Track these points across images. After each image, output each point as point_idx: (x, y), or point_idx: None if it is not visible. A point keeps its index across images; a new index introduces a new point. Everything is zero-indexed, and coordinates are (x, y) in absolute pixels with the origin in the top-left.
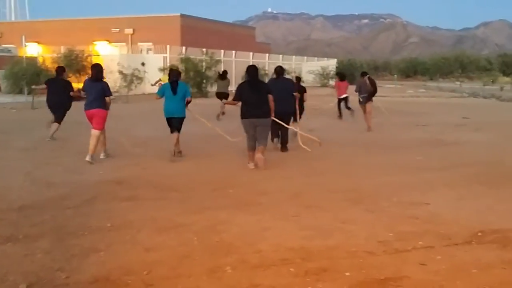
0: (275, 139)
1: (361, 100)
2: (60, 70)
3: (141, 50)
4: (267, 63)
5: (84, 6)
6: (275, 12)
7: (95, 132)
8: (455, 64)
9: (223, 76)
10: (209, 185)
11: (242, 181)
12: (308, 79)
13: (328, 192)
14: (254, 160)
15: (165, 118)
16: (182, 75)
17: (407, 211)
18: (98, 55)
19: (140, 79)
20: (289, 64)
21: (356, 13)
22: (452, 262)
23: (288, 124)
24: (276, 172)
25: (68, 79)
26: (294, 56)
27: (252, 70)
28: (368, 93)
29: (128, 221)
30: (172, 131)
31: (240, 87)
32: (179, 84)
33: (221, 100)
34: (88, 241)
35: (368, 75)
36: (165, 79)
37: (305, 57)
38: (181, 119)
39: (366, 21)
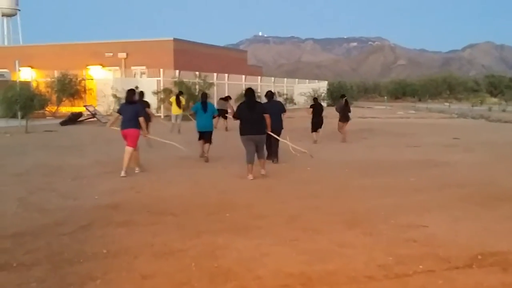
0: (275, 159)
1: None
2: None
3: (135, 73)
4: (259, 86)
5: (77, 31)
6: (266, 35)
7: (128, 149)
8: (443, 85)
9: (225, 99)
10: (205, 208)
11: (238, 204)
12: (299, 101)
13: (324, 215)
14: (254, 172)
15: (197, 132)
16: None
17: (404, 233)
18: (92, 79)
19: None
20: (280, 87)
21: (345, 36)
22: (454, 287)
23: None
24: (272, 195)
25: (62, 103)
26: (285, 79)
27: (249, 92)
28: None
29: (124, 247)
30: (204, 142)
31: (238, 108)
32: (208, 104)
33: (223, 115)
34: (85, 269)
35: (345, 98)
36: (173, 100)
37: (296, 80)
38: (211, 132)
39: (355, 44)
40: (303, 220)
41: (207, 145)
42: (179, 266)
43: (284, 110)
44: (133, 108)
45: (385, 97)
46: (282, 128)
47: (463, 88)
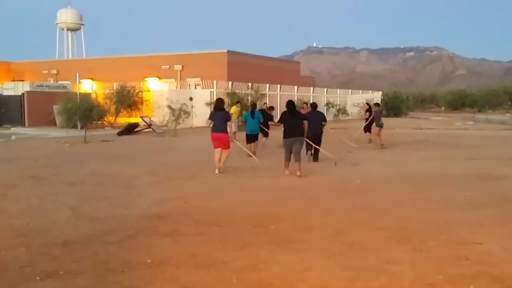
0: (309, 152)
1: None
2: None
3: (189, 85)
4: (312, 97)
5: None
6: (320, 46)
7: (224, 152)
8: (504, 95)
9: (270, 109)
10: (251, 220)
11: (284, 216)
12: (353, 112)
13: (372, 229)
14: (289, 170)
15: (246, 135)
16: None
17: (456, 250)
18: (149, 91)
19: (188, 113)
20: (333, 97)
21: (401, 46)
22: None
23: (319, 144)
24: (318, 207)
25: (120, 114)
26: (338, 89)
27: (290, 103)
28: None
29: (168, 257)
30: (252, 141)
31: (282, 114)
32: (255, 112)
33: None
34: (128, 279)
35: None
36: (234, 109)
37: (350, 90)
38: (257, 135)
39: (411, 53)
40: (349, 234)
41: (254, 144)
42: (220, 278)
43: (324, 120)
44: (223, 114)
45: (442, 107)
46: (322, 133)
47: None
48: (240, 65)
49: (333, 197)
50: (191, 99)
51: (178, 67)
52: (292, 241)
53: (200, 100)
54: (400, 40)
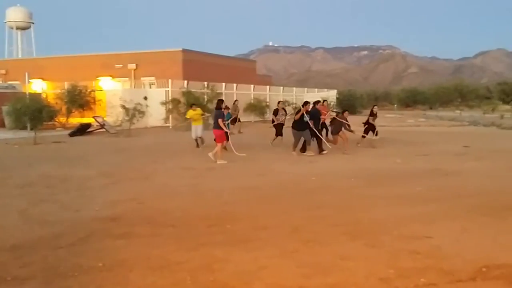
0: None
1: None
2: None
3: (144, 84)
4: (268, 95)
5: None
6: (276, 45)
7: (218, 145)
8: (455, 93)
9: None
10: (207, 220)
11: (241, 216)
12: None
13: (327, 226)
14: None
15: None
16: (184, 108)
17: (408, 245)
18: (102, 90)
19: (142, 113)
20: (290, 96)
21: (356, 45)
22: None
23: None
24: (276, 206)
25: (72, 114)
26: (294, 88)
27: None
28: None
29: (120, 260)
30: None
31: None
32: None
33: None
34: (78, 283)
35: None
36: (190, 114)
37: (306, 89)
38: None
39: (365, 52)
40: (305, 231)
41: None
42: (174, 280)
43: (320, 114)
44: (216, 113)
45: (395, 105)
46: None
47: (474, 96)
48: (196, 64)
49: (289, 195)
50: (145, 98)
51: (132, 66)
52: (248, 240)
53: (155, 100)
54: (354, 39)
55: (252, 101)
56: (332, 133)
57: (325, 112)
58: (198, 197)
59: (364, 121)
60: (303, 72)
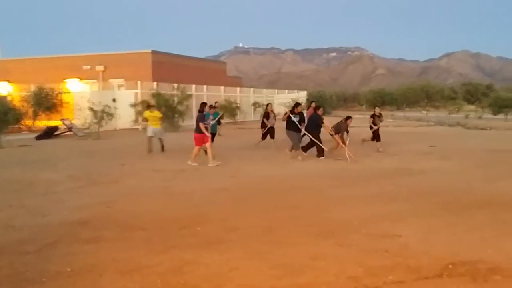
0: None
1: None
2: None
3: (112, 86)
4: (239, 97)
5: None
6: (246, 47)
7: (195, 148)
8: (421, 94)
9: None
10: (177, 222)
11: (212, 217)
12: (279, 111)
13: (299, 227)
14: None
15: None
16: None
17: (377, 243)
18: (69, 93)
19: (111, 115)
20: (260, 97)
21: (325, 47)
22: None
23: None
24: (248, 207)
25: (38, 117)
26: (264, 89)
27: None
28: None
29: (89, 265)
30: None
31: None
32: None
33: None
34: None
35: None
36: (146, 113)
37: (276, 90)
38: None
39: (334, 54)
40: (277, 232)
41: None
42: (144, 283)
43: (320, 121)
44: (198, 116)
45: (364, 106)
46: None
47: (440, 96)
48: (165, 65)
49: (261, 196)
50: (114, 100)
51: (100, 68)
52: (220, 241)
53: (124, 102)
54: (323, 41)
55: (223, 103)
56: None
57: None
58: (168, 199)
59: (370, 126)
60: (273, 74)
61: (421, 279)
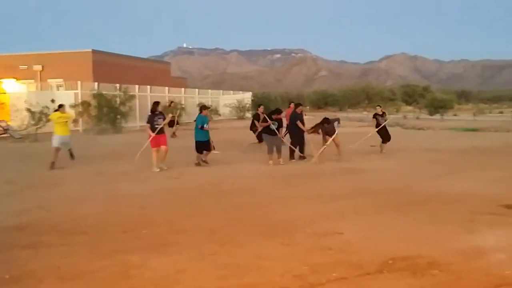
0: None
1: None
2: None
3: (51, 86)
4: (183, 98)
5: None
6: (190, 47)
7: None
8: (362, 95)
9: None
10: (121, 226)
11: (157, 220)
12: (225, 112)
13: (244, 227)
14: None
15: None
16: (94, 111)
17: (321, 241)
18: (5, 93)
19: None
20: (205, 98)
21: (269, 48)
22: None
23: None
24: (193, 209)
25: None
26: (210, 90)
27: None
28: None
29: (29, 271)
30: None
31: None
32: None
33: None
34: None
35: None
36: (54, 116)
37: (221, 91)
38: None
39: (278, 55)
40: (223, 233)
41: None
42: None
43: (299, 119)
44: (147, 117)
45: (308, 107)
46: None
47: (380, 98)
48: (107, 65)
49: (207, 198)
50: (53, 101)
51: (38, 67)
52: (166, 244)
53: (64, 102)
54: (268, 42)
55: (167, 104)
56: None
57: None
58: (111, 202)
59: (376, 127)
60: (218, 74)
61: (363, 275)
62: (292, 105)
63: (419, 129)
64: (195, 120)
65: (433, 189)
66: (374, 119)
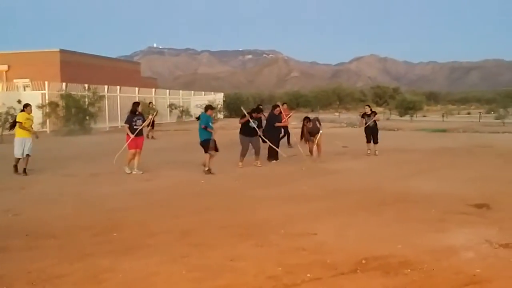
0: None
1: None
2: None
3: (17, 87)
4: (154, 98)
5: None
6: (160, 47)
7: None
8: (333, 96)
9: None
10: (91, 229)
11: (128, 223)
12: (196, 113)
13: (217, 229)
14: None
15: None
16: (63, 112)
17: (294, 242)
18: None
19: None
20: (176, 99)
21: (240, 49)
22: None
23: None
24: (165, 210)
25: None
26: (181, 91)
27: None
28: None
29: None
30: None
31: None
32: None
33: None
34: None
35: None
36: (22, 116)
37: (192, 92)
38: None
39: (250, 56)
40: (196, 235)
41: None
42: None
43: (277, 120)
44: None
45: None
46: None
47: (351, 99)
48: (75, 65)
49: (179, 200)
50: (19, 102)
51: (3, 67)
52: (137, 247)
53: (31, 103)
54: (239, 43)
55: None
56: (306, 138)
57: (285, 116)
58: (81, 205)
59: (365, 127)
60: (189, 75)
61: (337, 275)
62: (285, 105)
63: (389, 130)
64: (197, 119)
65: (404, 189)
66: (363, 118)
